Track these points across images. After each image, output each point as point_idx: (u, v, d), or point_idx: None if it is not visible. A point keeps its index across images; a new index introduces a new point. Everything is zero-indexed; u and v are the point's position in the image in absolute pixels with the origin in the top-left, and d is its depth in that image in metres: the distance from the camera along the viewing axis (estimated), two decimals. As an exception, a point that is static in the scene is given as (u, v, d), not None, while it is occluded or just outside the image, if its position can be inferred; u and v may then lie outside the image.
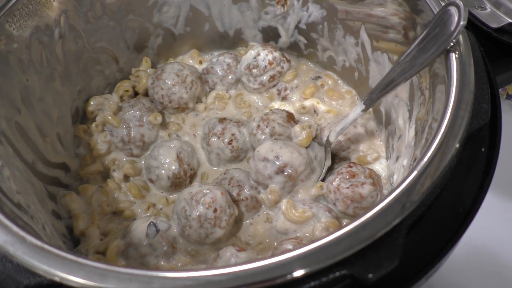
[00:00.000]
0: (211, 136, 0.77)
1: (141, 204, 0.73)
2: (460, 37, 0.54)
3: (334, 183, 0.68)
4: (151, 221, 0.64)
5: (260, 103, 0.87)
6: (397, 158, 0.69)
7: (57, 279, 0.40)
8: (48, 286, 0.42)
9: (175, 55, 0.93)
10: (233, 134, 0.77)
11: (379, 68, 0.76)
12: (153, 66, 0.90)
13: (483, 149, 0.53)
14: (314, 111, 0.82)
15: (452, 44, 0.53)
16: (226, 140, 0.76)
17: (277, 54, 0.84)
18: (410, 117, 0.65)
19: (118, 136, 0.78)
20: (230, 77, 0.87)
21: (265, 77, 0.84)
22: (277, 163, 0.68)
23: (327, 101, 0.84)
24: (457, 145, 0.46)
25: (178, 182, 0.74)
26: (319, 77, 0.87)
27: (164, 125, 0.83)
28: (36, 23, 0.67)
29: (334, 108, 0.83)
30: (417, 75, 0.61)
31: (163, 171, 0.73)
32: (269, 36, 0.91)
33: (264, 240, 0.69)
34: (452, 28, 0.53)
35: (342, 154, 0.77)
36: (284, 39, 0.90)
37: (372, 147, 0.77)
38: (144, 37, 0.87)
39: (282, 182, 0.69)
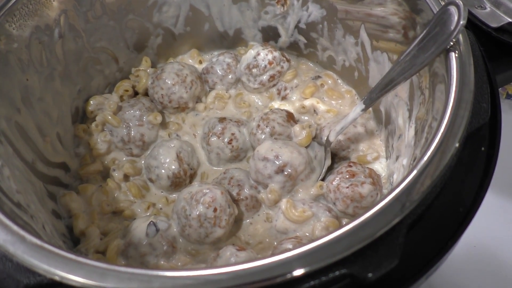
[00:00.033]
0: (211, 135, 0.77)
1: (141, 203, 0.73)
2: (460, 37, 0.54)
3: (334, 183, 0.68)
4: (151, 221, 0.64)
5: (260, 103, 0.87)
6: (397, 157, 0.69)
7: (57, 278, 0.40)
8: (48, 285, 0.42)
9: (175, 55, 0.93)
10: (233, 134, 0.77)
11: (379, 68, 0.76)
12: (153, 65, 0.90)
13: (483, 148, 0.53)
14: (314, 110, 0.82)
15: (452, 43, 0.53)
16: (226, 140, 0.76)
17: (277, 53, 0.84)
18: (410, 117, 0.65)
19: (118, 135, 0.78)
20: (230, 76, 0.87)
21: (265, 77, 0.84)
22: (277, 162, 0.68)
23: (327, 101, 0.84)
24: (457, 145, 0.46)
25: (178, 182, 0.74)
26: (319, 76, 0.87)
27: (164, 124, 0.83)
28: (36, 22, 0.67)
29: (334, 107, 0.83)
30: (417, 75, 0.61)
31: (163, 171, 0.73)
32: (269, 35, 0.91)
33: (264, 240, 0.69)
34: (452, 28, 0.53)
35: (342, 153, 0.77)
36: (284, 39, 0.90)
37: (372, 147, 0.77)
38: (144, 36, 0.87)
39: (282, 182, 0.69)
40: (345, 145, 0.76)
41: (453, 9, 0.54)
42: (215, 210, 0.63)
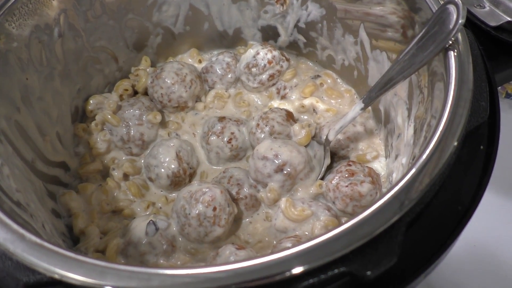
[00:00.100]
0: (211, 135, 0.77)
1: (140, 202, 0.73)
2: (459, 36, 0.54)
3: (333, 182, 0.68)
4: (151, 220, 0.65)
5: (259, 102, 0.87)
6: (396, 156, 0.69)
7: (56, 276, 0.40)
8: (48, 283, 0.42)
9: (175, 54, 0.93)
10: (232, 133, 0.77)
11: (378, 67, 0.76)
12: (153, 65, 0.91)
13: (481, 147, 0.53)
14: (313, 110, 0.82)
15: (450, 42, 0.53)
16: (225, 139, 0.76)
17: (276, 53, 0.84)
18: (409, 116, 0.66)
19: (117, 135, 0.78)
20: (229, 76, 0.87)
21: (264, 76, 0.84)
22: (277, 161, 0.68)
23: (326, 100, 0.84)
24: (456, 143, 0.46)
25: (178, 181, 0.74)
26: (318, 76, 0.87)
27: (163, 124, 0.83)
28: (35, 22, 0.67)
29: (333, 107, 0.83)
30: (416, 74, 0.61)
31: (162, 170, 0.73)
32: (269, 35, 0.91)
33: (264, 239, 0.69)
34: (451, 27, 0.53)
35: (341, 152, 0.77)
36: (283, 38, 0.90)
37: (371, 146, 0.77)
38: (143, 36, 0.87)
39: (281, 181, 0.69)
40: (344, 144, 0.76)
41: (452, 8, 0.54)
42: (214, 209, 0.63)
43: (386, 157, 0.76)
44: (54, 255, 0.42)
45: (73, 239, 0.69)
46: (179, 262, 0.64)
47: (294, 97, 0.84)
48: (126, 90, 0.85)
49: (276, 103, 0.84)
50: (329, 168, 0.74)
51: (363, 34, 0.76)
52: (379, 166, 0.75)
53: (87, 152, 0.79)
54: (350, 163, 0.71)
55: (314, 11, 0.82)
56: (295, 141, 0.74)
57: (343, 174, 0.68)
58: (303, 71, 0.89)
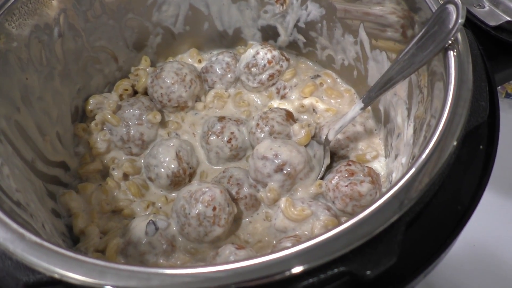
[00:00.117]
0: (210, 134, 0.77)
1: (140, 202, 0.74)
2: (459, 35, 0.54)
3: (333, 181, 0.69)
4: (151, 220, 0.65)
5: (259, 102, 0.87)
6: (396, 156, 0.69)
7: (56, 276, 0.40)
8: (48, 283, 0.42)
9: (174, 54, 0.93)
10: (232, 133, 0.77)
11: (378, 67, 0.76)
12: (153, 65, 0.91)
13: (481, 147, 0.53)
14: (313, 109, 0.82)
15: (450, 42, 0.53)
16: (225, 139, 0.76)
17: (276, 52, 0.84)
18: (408, 115, 0.66)
19: (117, 134, 0.78)
20: (229, 76, 0.87)
21: (264, 76, 0.84)
22: (276, 161, 0.68)
23: (326, 100, 0.84)
24: (455, 143, 0.46)
25: (177, 181, 0.74)
26: (318, 75, 0.87)
27: (163, 123, 0.83)
28: (35, 22, 0.67)
29: (333, 106, 0.83)
30: (415, 73, 0.61)
31: (162, 170, 0.73)
32: (268, 35, 0.91)
33: (263, 238, 0.69)
34: (450, 26, 0.53)
35: (341, 152, 0.77)
36: (283, 38, 0.90)
37: (371, 146, 0.77)
38: (143, 36, 0.87)
39: (281, 181, 0.69)
40: (344, 144, 0.76)
41: (451, 7, 0.54)
42: (214, 209, 0.63)
43: (385, 157, 0.76)
44: (54, 254, 0.42)
45: (73, 239, 0.69)
46: (179, 262, 0.64)
47: (294, 97, 0.84)
48: (126, 90, 0.85)
49: (276, 103, 0.84)
50: (329, 168, 0.74)
51: (362, 34, 0.76)
52: (379, 165, 0.75)
53: (87, 152, 0.79)
54: (350, 162, 0.71)
55: (314, 11, 0.83)
56: (295, 141, 0.74)
57: (342, 174, 0.69)
58: (302, 71, 0.89)
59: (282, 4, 0.85)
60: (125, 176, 0.77)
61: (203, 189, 0.64)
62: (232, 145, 0.77)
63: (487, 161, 0.52)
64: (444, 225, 0.47)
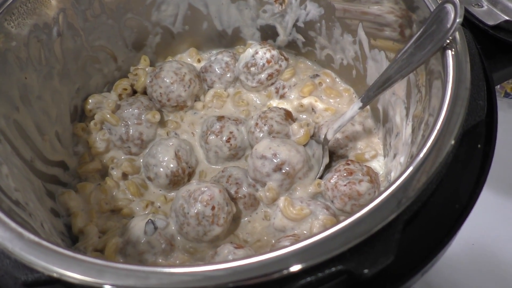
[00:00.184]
0: (209, 134, 0.77)
1: (139, 202, 0.74)
2: (457, 35, 0.54)
3: (331, 181, 0.69)
4: (149, 219, 0.65)
5: (258, 101, 0.87)
6: (395, 155, 0.69)
7: (55, 275, 0.40)
8: (46, 282, 0.42)
9: (174, 54, 0.93)
10: (231, 132, 0.77)
11: (376, 66, 0.76)
12: (152, 64, 0.90)
13: (479, 146, 0.53)
14: (312, 109, 0.82)
15: (448, 41, 0.53)
16: (224, 138, 0.76)
17: (275, 52, 0.84)
18: (407, 115, 0.66)
19: (116, 134, 0.78)
20: (228, 75, 0.87)
21: (263, 75, 0.84)
22: (275, 160, 0.68)
23: (325, 99, 0.84)
24: (453, 142, 0.46)
25: (176, 180, 0.74)
26: (317, 75, 0.87)
27: (162, 123, 0.83)
28: (34, 21, 0.67)
29: (332, 106, 0.83)
30: (414, 73, 0.61)
31: (161, 169, 0.73)
32: (267, 34, 0.91)
33: (262, 238, 0.69)
34: (449, 26, 0.53)
35: (340, 152, 0.77)
36: (282, 38, 0.90)
37: (370, 145, 0.77)
38: (142, 35, 0.87)
39: (280, 180, 0.69)
40: (343, 143, 0.76)
41: (449, 7, 0.54)
42: (213, 208, 0.63)
43: (384, 156, 0.76)
44: (52, 253, 0.42)
45: (72, 238, 0.69)
46: (177, 261, 0.64)
47: (293, 96, 0.84)
48: (125, 89, 0.85)
49: (275, 102, 0.84)
50: (328, 167, 0.74)
51: (361, 34, 0.76)
52: (378, 165, 0.75)
53: (86, 151, 0.79)
54: (349, 162, 0.71)
55: (313, 11, 0.83)
56: (293, 140, 0.74)
57: (341, 173, 0.69)
58: (302, 70, 0.89)
59: (281, 4, 0.85)
60: (124, 176, 0.77)
61: (202, 189, 0.65)
62: (231, 144, 0.77)
63: (485, 160, 0.52)
64: (442, 223, 0.47)
